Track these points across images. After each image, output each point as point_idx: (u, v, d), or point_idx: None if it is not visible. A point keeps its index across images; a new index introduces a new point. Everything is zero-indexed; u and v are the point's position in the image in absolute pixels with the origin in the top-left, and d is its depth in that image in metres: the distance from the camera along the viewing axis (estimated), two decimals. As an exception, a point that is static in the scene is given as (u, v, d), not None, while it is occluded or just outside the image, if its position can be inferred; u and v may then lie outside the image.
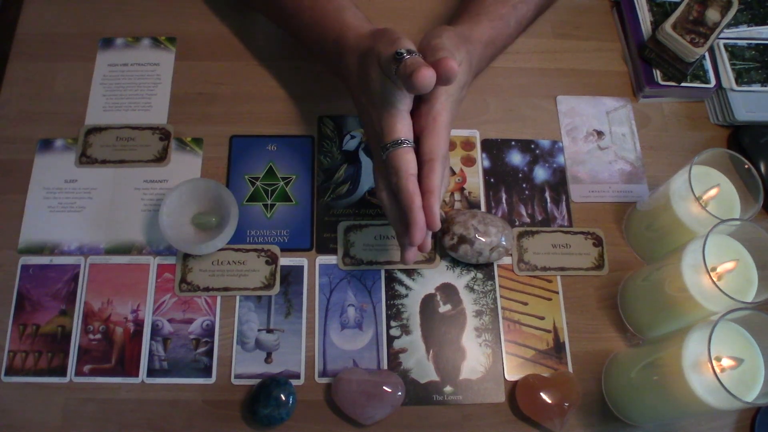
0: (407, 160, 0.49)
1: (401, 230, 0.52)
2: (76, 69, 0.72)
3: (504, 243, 0.62)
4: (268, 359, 0.60)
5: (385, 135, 0.50)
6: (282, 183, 0.67)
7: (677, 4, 0.72)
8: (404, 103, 0.50)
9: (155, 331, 0.61)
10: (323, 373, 0.60)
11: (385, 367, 0.60)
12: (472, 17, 0.60)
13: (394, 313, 0.62)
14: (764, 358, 0.50)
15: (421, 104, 0.53)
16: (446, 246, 0.63)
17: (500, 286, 0.64)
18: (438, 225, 0.50)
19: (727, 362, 0.49)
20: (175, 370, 0.59)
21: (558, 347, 0.62)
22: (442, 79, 0.47)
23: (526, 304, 0.64)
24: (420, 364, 0.61)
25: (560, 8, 0.77)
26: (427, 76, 0.45)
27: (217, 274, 0.63)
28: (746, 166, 0.58)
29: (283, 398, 0.56)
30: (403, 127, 0.50)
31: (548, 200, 0.68)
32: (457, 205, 0.67)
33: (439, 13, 0.77)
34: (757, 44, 0.74)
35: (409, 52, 0.48)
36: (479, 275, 0.64)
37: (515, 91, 0.73)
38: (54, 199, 0.65)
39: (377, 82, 0.50)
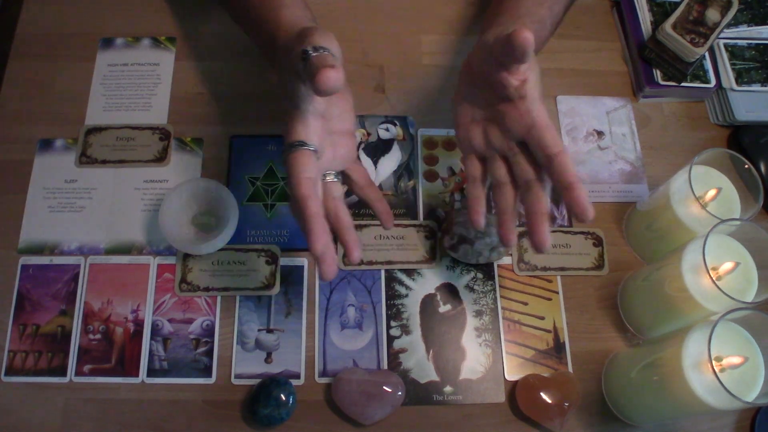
0: (301, 163, 0.46)
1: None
2: (76, 69, 0.72)
3: (504, 243, 0.62)
4: (268, 359, 0.60)
5: (288, 133, 0.47)
6: (282, 183, 0.67)
7: (677, 4, 0.71)
8: (308, 104, 0.47)
9: (155, 331, 0.61)
10: (323, 373, 0.60)
11: (385, 367, 0.60)
12: (515, 19, 0.56)
13: (394, 313, 0.62)
14: (764, 358, 0.50)
15: (508, 104, 0.50)
16: (446, 246, 0.63)
17: (500, 286, 0.64)
18: (591, 213, 0.47)
19: (732, 360, 0.49)
20: (175, 370, 0.59)
21: (558, 347, 0.62)
22: (518, 53, 0.45)
23: (526, 304, 0.64)
24: (420, 364, 0.61)
25: (560, 8, 0.77)
26: (331, 77, 0.41)
27: (217, 274, 0.63)
28: (746, 166, 0.58)
29: (283, 398, 0.56)
30: (303, 129, 0.47)
31: (548, 200, 0.68)
32: (457, 205, 0.67)
33: (439, 14, 0.77)
34: (757, 44, 0.74)
35: (316, 49, 0.43)
36: (479, 275, 0.64)
37: (515, 91, 0.73)
38: (54, 199, 0.65)
39: (286, 80, 0.47)
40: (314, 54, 0.43)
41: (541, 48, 0.60)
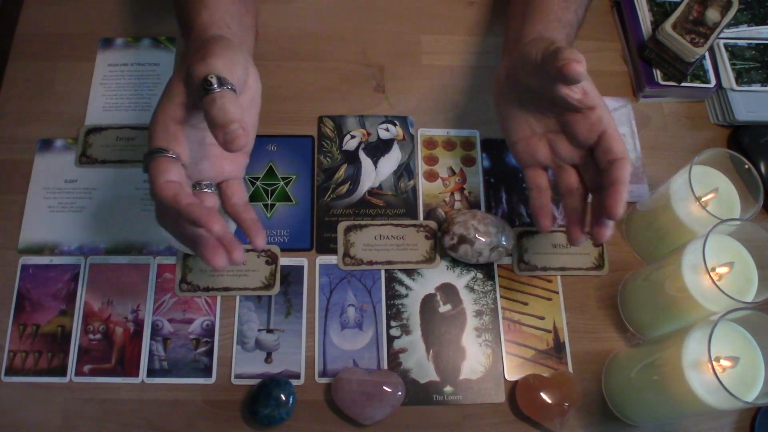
0: (160, 169, 0.44)
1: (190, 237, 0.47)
2: (76, 69, 0.72)
3: (504, 243, 0.62)
4: (268, 359, 0.60)
5: (148, 142, 0.46)
6: (282, 183, 0.67)
7: (677, 4, 0.71)
8: (178, 114, 0.46)
9: (155, 331, 0.61)
10: (323, 373, 0.60)
11: (385, 367, 0.60)
12: (546, 25, 0.57)
13: (394, 313, 0.62)
14: (764, 358, 0.50)
15: (576, 116, 0.52)
16: (446, 246, 0.63)
17: (500, 286, 0.64)
18: (621, 212, 0.49)
19: (724, 363, 0.49)
20: (175, 370, 0.59)
21: (558, 347, 0.62)
22: (571, 82, 0.48)
23: (526, 304, 0.64)
24: (420, 364, 0.61)
25: (560, 8, 0.77)
26: (239, 141, 0.41)
27: (217, 274, 0.63)
28: (746, 166, 0.58)
29: (283, 398, 0.56)
30: (164, 136, 0.45)
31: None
32: (457, 205, 0.67)
33: (439, 14, 0.77)
34: (757, 44, 0.74)
35: (221, 82, 0.43)
36: (479, 275, 0.64)
37: (515, 91, 0.73)
38: (54, 199, 0.65)
39: (167, 87, 0.46)
40: (218, 90, 0.42)
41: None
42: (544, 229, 0.56)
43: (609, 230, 0.51)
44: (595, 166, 0.53)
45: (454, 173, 0.69)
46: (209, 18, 0.52)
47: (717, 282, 0.51)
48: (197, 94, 0.43)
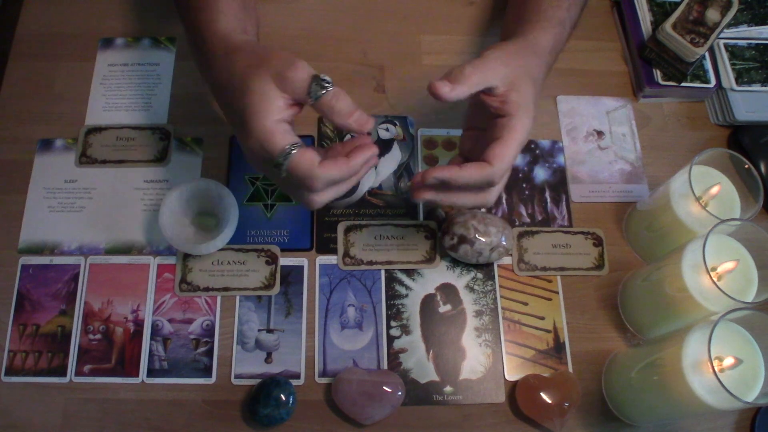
0: (308, 158, 0.47)
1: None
2: (76, 69, 0.72)
3: (504, 243, 0.62)
4: (268, 359, 0.60)
5: (271, 150, 0.47)
6: (282, 183, 0.67)
7: (677, 4, 0.71)
8: (282, 116, 0.48)
9: (155, 331, 0.61)
10: (323, 373, 0.60)
11: (385, 367, 0.60)
12: (534, 24, 0.58)
13: (394, 313, 0.62)
14: (764, 358, 0.50)
15: (497, 120, 0.52)
16: (446, 246, 0.63)
17: (500, 286, 0.64)
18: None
19: (728, 362, 0.49)
20: (175, 370, 0.59)
21: (558, 347, 0.62)
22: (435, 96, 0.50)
23: (526, 304, 0.64)
24: (420, 364, 0.61)
25: (560, 8, 0.77)
26: (367, 118, 0.48)
27: (217, 274, 0.63)
28: (746, 166, 0.58)
29: (283, 398, 0.56)
30: (285, 135, 0.47)
31: (548, 200, 0.68)
32: (457, 205, 0.67)
33: (439, 14, 0.77)
34: (757, 44, 0.74)
35: (330, 83, 0.47)
36: (479, 275, 0.64)
37: (515, 91, 0.73)
38: (54, 199, 0.65)
39: (256, 93, 0.47)
40: (331, 89, 0.47)
41: (562, 49, 0.60)
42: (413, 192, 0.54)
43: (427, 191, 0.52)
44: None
45: (454, 173, 0.69)
46: (227, 25, 0.53)
47: (717, 282, 0.51)
48: (310, 94, 0.47)
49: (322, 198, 0.50)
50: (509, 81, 0.51)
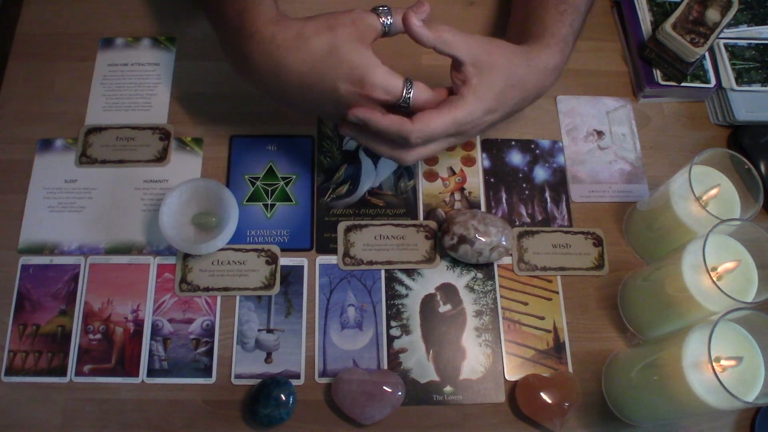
0: (422, 87, 0.53)
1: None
2: (76, 69, 0.72)
3: (504, 243, 0.62)
4: (268, 359, 0.60)
5: (395, 89, 0.52)
6: (282, 183, 0.67)
7: (677, 4, 0.71)
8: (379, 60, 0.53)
9: (155, 331, 0.61)
10: (323, 373, 0.60)
11: (385, 367, 0.60)
12: (537, 40, 0.58)
13: (394, 313, 0.62)
14: (764, 358, 0.50)
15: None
16: (446, 246, 0.63)
17: (500, 286, 0.64)
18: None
19: (730, 362, 0.49)
20: (175, 370, 0.59)
21: (558, 347, 0.62)
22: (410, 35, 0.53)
23: (526, 304, 0.64)
24: (420, 364, 0.61)
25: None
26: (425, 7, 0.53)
27: (217, 274, 0.63)
28: (746, 166, 0.58)
29: (283, 398, 0.56)
30: (396, 74, 0.52)
31: (548, 200, 0.68)
32: (457, 205, 0.67)
33: (439, 14, 0.77)
34: (757, 44, 0.74)
35: (388, 7, 0.53)
36: (479, 275, 0.64)
37: (515, 91, 0.73)
38: (54, 199, 0.65)
39: (355, 54, 0.51)
40: (414, 89, 0.52)
41: (567, 63, 0.60)
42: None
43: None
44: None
45: (454, 173, 0.69)
46: (269, 7, 0.54)
47: (717, 282, 0.51)
48: (384, 27, 0.53)
49: (422, 149, 0.55)
50: (478, 65, 0.53)
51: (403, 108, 0.53)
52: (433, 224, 0.66)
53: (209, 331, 0.61)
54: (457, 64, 0.53)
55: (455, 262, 0.65)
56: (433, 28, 0.52)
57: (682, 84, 0.71)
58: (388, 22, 0.53)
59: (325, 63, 0.51)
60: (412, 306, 0.63)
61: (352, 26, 0.51)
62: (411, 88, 0.52)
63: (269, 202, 0.66)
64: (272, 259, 0.63)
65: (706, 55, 0.72)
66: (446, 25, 0.52)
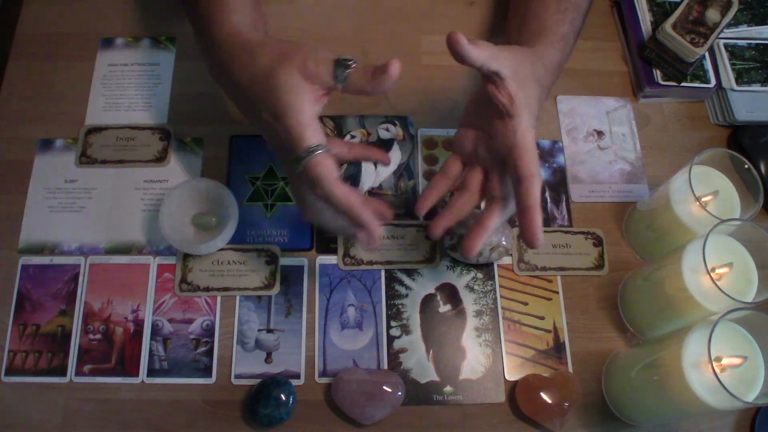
0: (326, 167, 0.47)
1: (347, 225, 0.51)
2: (76, 69, 0.72)
3: (504, 243, 0.62)
4: (268, 359, 0.60)
5: (296, 145, 0.47)
6: (282, 183, 0.67)
7: (677, 4, 0.71)
8: (314, 110, 0.48)
9: (155, 331, 0.61)
10: (323, 373, 0.60)
11: (385, 367, 0.60)
12: (539, 39, 0.57)
13: (394, 313, 0.62)
14: (764, 358, 0.50)
15: (499, 121, 0.51)
16: (446, 246, 0.63)
17: (500, 286, 0.64)
18: (540, 241, 0.49)
19: (732, 360, 0.49)
20: (175, 370, 0.59)
21: (558, 347, 0.62)
22: (451, 51, 0.48)
23: (526, 304, 0.64)
24: (420, 364, 0.61)
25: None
26: (395, 69, 0.46)
27: (217, 274, 0.63)
28: (746, 166, 0.58)
29: (283, 398, 0.56)
30: (315, 133, 0.47)
31: (548, 200, 0.68)
32: (457, 205, 0.67)
33: (439, 14, 0.77)
34: (757, 44, 0.74)
35: (347, 61, 0.48)
36: (479, 275, 0.64)
37: (515, 91, 0.73)
38: (54, 199, 0.65)
39: (285, 88, 0.47)
40: (354, 67, 0.47)
41: (567, 61, 0.60)
42: (417, 210, 0.57)
43: (476, 247, 0.53)
44: (499, 177, 0.54)
45: (454, 173, 0.69)
46: (242, 21, 0.53)
47: (717, 282, 0.51)
48: (336, 78, 0.47)
49: (307, 212, 0.52)
50: (517, 75, 0.50)
51: (296, 161, 0.48)
52: (433, 224, 0.66)
53: (209, 331, 0.61)
54: (495, 80, 0.50)
55: (455, 262, 0.65)
56: (478, 44, 0.48)
57: (682, 84, 0.71)
58: (343, 75, 0.47)
59: (260, 85, 0.49)
60: (412, 306, 0.63)
61: (302, 65, 0.47)
62: (311, 156, 0.47)
63: (269, 202, 0.66)
64: (272, 259, 0.63)
65: (706, 55, 0.72)
66: (478, 39, 0.49)
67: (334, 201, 0.48)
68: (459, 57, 0.48)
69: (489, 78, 0.50)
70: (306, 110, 0.47)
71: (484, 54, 0.48)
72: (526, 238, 0.49)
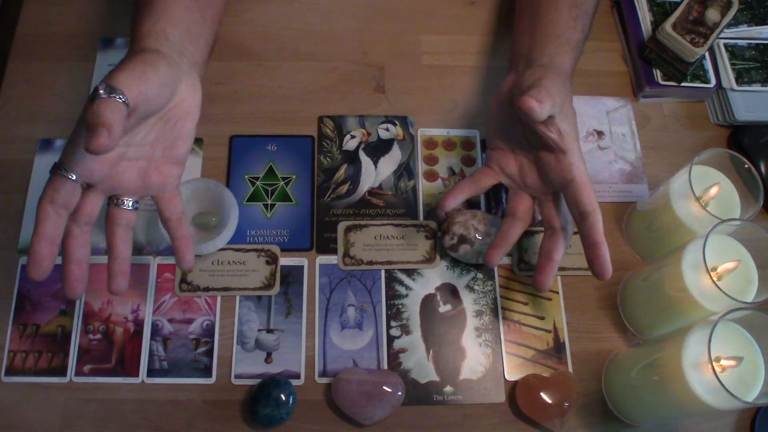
0: (51, 187, 0.45)
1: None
2: (76, 69, 0.72)
3: (504, 243, 0.62)
4: (268, 359, 0.60)
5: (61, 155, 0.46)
6: (282, 183, 0.67)
7: (677, 4, 0.72)
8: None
9: (155, 331, 0.61)
10: (323, 373, 0.60)
11: (385, 367, 0.60)
12: (553, 48, 0.57)
13: (394, 313, 0.62)
14: (764, 358, 0.50)
15: (550, 155, 0.52)
16: (446, 246, 0.63)
17: (500, 286, 0.64)
18: (610, 272, 0.51)
19: (729, 362, 0.49)
20: (175, 370, 0.59)
21: (558, 347, 0.62)
22: (525, 118, 0.48)
23: (526, 304, 0.64)
24: (420, 364, 0.61)
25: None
26: (99, 144, 0.40)
27: (217, 274, 0.63)
28: (746, 166, 0.58)
29: (283, 398, 0.56)
30: (71, 155, 0.45)
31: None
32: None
33: (439, 14, 0.77)
34: (757, 44, 0.74)
35: (110, 89, 0.42)
36: (479, 275, 0.64)
37: (515, 91, 0.73)
38: (54, 199, 0.65)
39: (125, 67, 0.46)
40: (104, 97, 0.41)
41: (575, 67, 0.60)
42: (443, 206, 0.57)
43: (549, 281, 0.54)
44: (555, 206, 0.55)
45: (454, 173, 0.69)
46: (149, 28, 0.52)
47: (717, 282, 0.51)
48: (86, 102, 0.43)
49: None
50: (562, 108, 0.50)
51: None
52: (433, 224, 0.66)
53: (209, 331, 0.61)
54: (546, 120, 0.50)
55: (455, 262, 0.65)
56: (542, 99, 0.47)
57: (682, 84, 0.71)
58: (121, 99, 0.42)
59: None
60: (412, 306, 0.63)
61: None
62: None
63: (269, 202, 0.66)
64: (272, 259, 0.63)
65: (706, 55, 0.72)
66: (539, 86, 0.48)
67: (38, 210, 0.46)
68: (533, 122, 0.49)
69: (520, 113, 0.49)
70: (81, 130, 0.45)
71: (548, 107, 0.48)
72: (597, 272, 0.51)
